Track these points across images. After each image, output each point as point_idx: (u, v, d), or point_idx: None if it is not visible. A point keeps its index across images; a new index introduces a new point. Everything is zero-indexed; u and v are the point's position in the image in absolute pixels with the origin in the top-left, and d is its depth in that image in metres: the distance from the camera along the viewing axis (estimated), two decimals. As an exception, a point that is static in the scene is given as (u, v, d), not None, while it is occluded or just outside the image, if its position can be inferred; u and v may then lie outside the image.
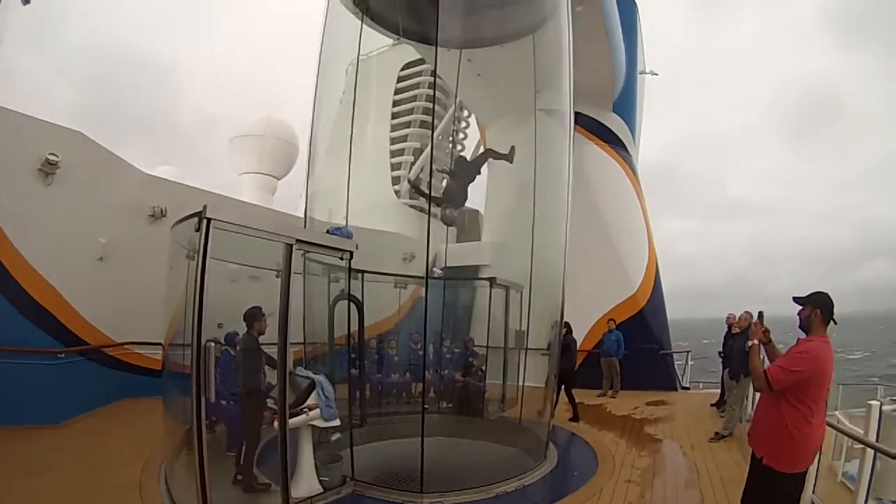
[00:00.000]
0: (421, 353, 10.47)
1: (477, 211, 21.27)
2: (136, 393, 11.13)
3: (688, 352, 19.48)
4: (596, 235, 17.35)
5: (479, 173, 11.38)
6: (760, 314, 5.00)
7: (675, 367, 17.91)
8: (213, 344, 5.13)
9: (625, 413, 12.97)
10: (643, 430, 11.31)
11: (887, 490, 6.72)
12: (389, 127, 24.05)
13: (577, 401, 12.41)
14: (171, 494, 6.47)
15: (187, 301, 5.28)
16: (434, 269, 11.55)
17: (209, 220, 5.06)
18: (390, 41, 13.13)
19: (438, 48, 9.52)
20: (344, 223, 9.56)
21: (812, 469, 5.32)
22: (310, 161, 10.63)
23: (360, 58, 11.01)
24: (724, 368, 12.20)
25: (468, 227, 21.15)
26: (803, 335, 4.59)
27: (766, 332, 4.87)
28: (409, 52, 17.58)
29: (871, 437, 6.09)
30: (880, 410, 6.38)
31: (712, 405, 13.20)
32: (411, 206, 22.17)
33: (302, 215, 10.61)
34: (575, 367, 12.95)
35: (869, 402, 6.62)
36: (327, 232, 7.54)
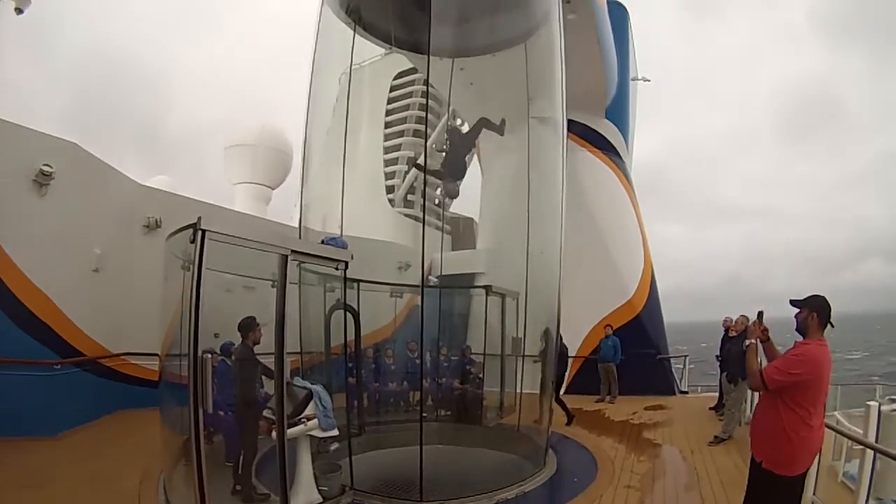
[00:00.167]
0: (418, 361, 10.47)
1: (471, 219, 21.27)
2: (132, 404, 11.08)
3: (685, 356, 19.47)
4: (591, 242, 17.37)
5: (474, 144, 11.38)
6: (760, 313, 5.00)
7: (673, 371, 17.88)
8: (209, 355, 5.13)
9: (623, 418, 12.94)
10: (642, 435, 11.30)
11: (888, 490, 6.73)
12: (383, 136, 24.03)
13: (575, 407, 12.43)
14: (169, 505, 6.46)
15: (183, 312, 5.28)
16: (429, 277, 11.56)
17: (204, 231, 5.06)
18: (383, 50, 13.14)
19: (431, 57, 9.54)
20: (338, 233, 9.56)
21: (812, 470, 5.32)
22: (304, 171, 10.64)
23: (353, 67, 11.03)
24: (721, 372, 12.22)
25: (463, 234, 21.15)
26: (800, 337, 4.61)
27: (765, 330, 4.88)
28: (402, 61, 17.59)
29: (871, 438, 6.10)
30: (879, 411, 6.39)
31: (711, 409, 13.20)
32: (406, 215, 22.16)
33: (297, 224, 10.61)
34: (566, 373, 12.96)
35: (868, 402, 6.63)
36: (322, 242, 7.54)
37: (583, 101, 16.97)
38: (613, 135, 20.36)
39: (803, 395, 4.38)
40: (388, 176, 23.72)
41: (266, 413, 6.43)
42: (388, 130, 24.32)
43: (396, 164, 23.86)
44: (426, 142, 17.98)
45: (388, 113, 24.48)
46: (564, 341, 12.20)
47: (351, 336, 9.36)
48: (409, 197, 22.90)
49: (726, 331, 12.61)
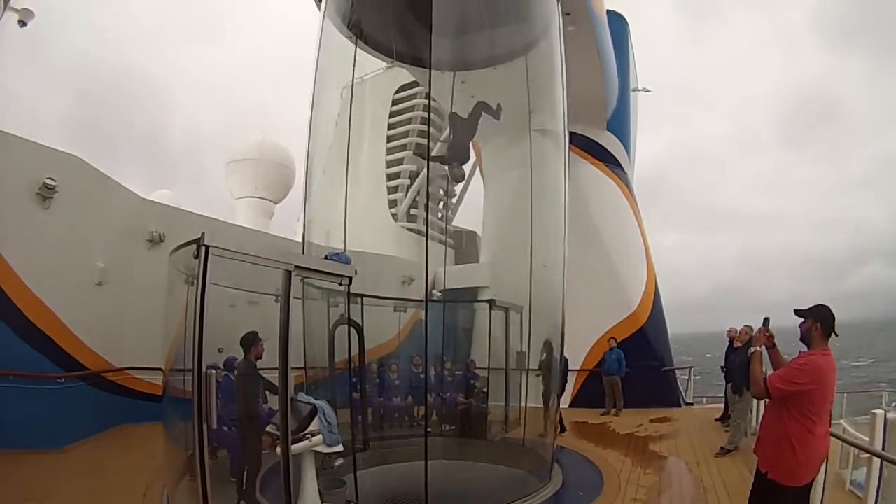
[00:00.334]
0: (422, 376, 10.44)
1: (474, 232, 21.27)
2: (136, 418, 11.07)
3: (690, 367, 19.41)
4: (594, 254, 17.35)
5: (476, 128, 11.38)
6: (766, 320, 4.99)
7: (679, 382, 17.82)
8: (213, 371, 5.12)
9: (629, 431, 12.90)
10: (648, 448, 11.26)
11: (895, 498, 6.70)
12: (385, 150, 24.05)
13: (580, 420, 12.42)
14: (173, 521, 6.43)
15: (187, 327, 5.27)
16: (433, 291, 11.55)
17: (208, 247, 5.05)
18: (384, 64, 13.17)
19: (432, 71, 9.57)
20: (342, 248, 9.56)
21: (819, 479, 5.29)
22: (306, 185, 10.64)
23: (355, 81, 11.06)
24: (727, 383, 12.20)
25: (466, 248, 21.15)
26: (805, 347, 4.60)
27: (771, 337, 4.87)
28: (403, 74, 17.62)
29: (878, 446, 6.07)
30: (885, 418, 6.37)
31: (717, 420, 13.17)
32: (409, 230, 22.18)
33: (300, 239, 10.61)
34: (566, 386, 12.95)
35: (873, 410, 6.60)
36: (326, 257, 7.53)
37: (584, 113, 16.99)
38: (615, 146, 20.37)
39: (808, 406, 4.37)
40: (391, 190, 23.73)
41: (270, 429, 6.42)
42: (391, 144, 24.34)
43: (399, 178, 23.88)
44: (428, 156, 18.03)
45: (390, 127, 24.50)
46: (567, 354, 12.18)
47: (355, 351, 9.35)
48: (412, 211, 22.91)
49: (731, 341, 12.58)
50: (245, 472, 6.77)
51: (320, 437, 6.62)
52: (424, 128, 23.00)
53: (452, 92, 11.53)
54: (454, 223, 23.43)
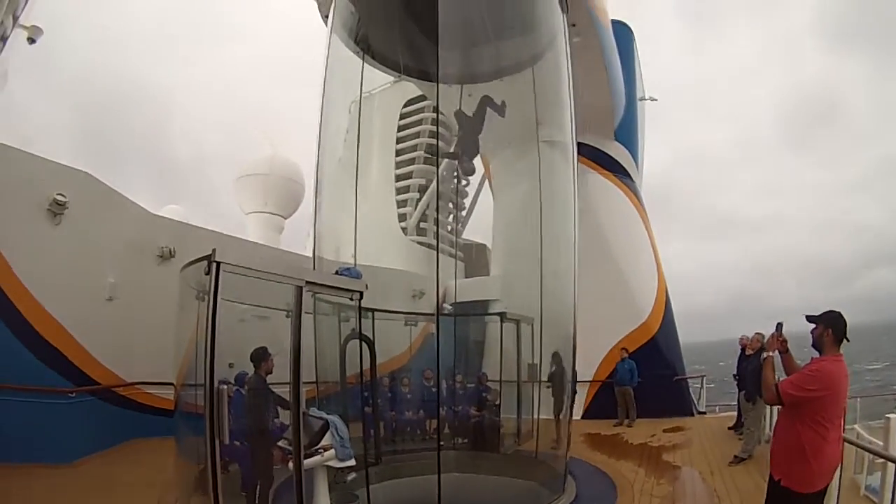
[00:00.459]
0: (434, 389, 10.42)
1: (484, 245, 21.26)
2: (146, 433, 11.06)
3: (703, 376, 19.32)
4: (604, 265, 17.27)
5: (483, 122, 11.41)
6: (779, 325, 4.96)
7: (691, 391, 17.73)
8: (225, 386, 5.13)
9: (642, 441, 12.83)
10: (661, 458, 11.20)
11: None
12: (394, 164, 24.11)
13: (593, 431, 12.38)
14: (185, 536, 6.43)
15: (198, 343, 5.28)
16: (444, 304, 11.55)
17: (219, 263, 5.06)
18: (391, 78, 13.21)
19: (439, 84, 9.59)
20: (352, 262, 9.57)
21: (834, 484, 5.26)
22: (316, 200, 10.66)
23: (363, 95, 11.10)
24: (739, 391, 12.14)
25: (476, 261, 21.15)
26: (817, 353, 4.59)
27: (784, 342, 4.85)
28: (411, 88, 17.70)
29: (892, 451, 6.04)
30: (900, 422, 6.34)
31: (730, 428, 13.09)
32: (419, 243, 22.21)
33: (310, 254, 10.63)
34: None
35: (888, 415, 6.57)
36: (336, 273, 7.54)
37: (591, 124, 16.99)
38: (623, 156, 20.35)
39: (820, 412, 4.36)
40: (400, 204, 23.79)
41: (282, 443, 6.42)
42: (399, 158, 24.43)
43: (408, 191, 23.92)
44: (437, 170, 18.05)
45: (398, 140, 24.60)
46: (578, 365, 12.15)
47: (366, 365, 9.35)
48: (422, 224, 22.95)
49: (743, 349, 12.52)
50: (258, 487, 6.77)
51: (332, 451, 6.61)
52: (433, 141, 23.06)
53: (460, 105, 11.54)
54: (464, 236, 23.46)
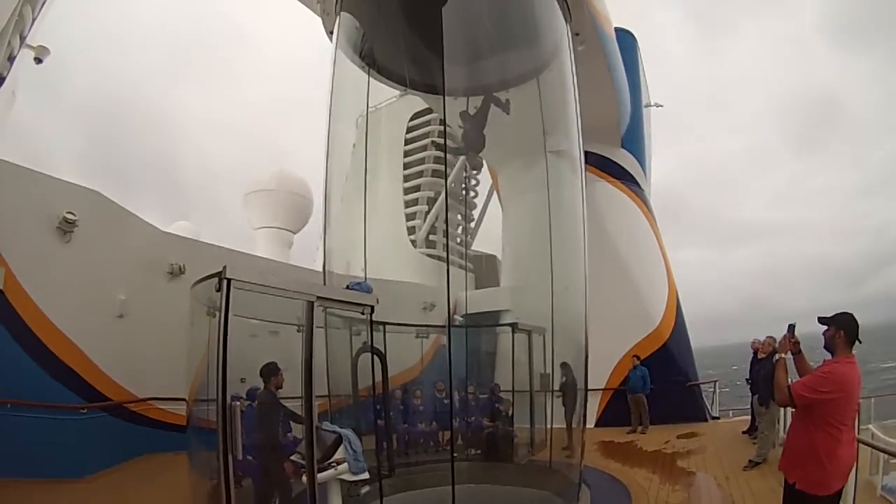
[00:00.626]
0: (446, 401, 10.42)
1: (494, 256, 21.26)
2: (158, 448, 11.14)
3: (715, 381, 19.28)
4: (614, 273, 17.25)
5: (486, 119, 11.45)
6: (791, 326, 4.97)
7: (704, 396, 17.67)
8: (237, 402, 5.15)
9: (656, 448, 12.78)
10: (675, 464, 11.17)
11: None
12: (402, 177, 24.15)
13: (607, 439, 12.36)
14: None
15: (210, 359, 5.30)
16: (455, 316, 11.56)
17: (230, 280, 5.09)
18: (397, 92, 13.25)
19: (446, 97, 9.63)
20: (362, 276, 9.60)
21: (850, 486, 5.25)
22: (325, 215, 10.69)
23: (369, 110, 11.14)
24: (752, 395, 12.10)
25: (486, 272, 21.13)
26: (829, 355, 4.59)
27: (797, 343, 4.86)
28: (417, 102, 17.74)
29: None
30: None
31: (744, 432, 13.03)
32: (428, 256, 22.21)
33: (320, 269, 10.66)
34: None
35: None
36: (347, 287, 7.56)
37: (598, 132, 17.00)
38: (630, 164, 20.35)
39: (833, 414, 4.37)
40: (409, 217, 23.80)
41: (295, 457, 6.44)
42: (407, 171, 24.45)
43: (416, 204, 23.94)
44: (446, 181, 18.06)
45: (405, 154, 24.63)
46: (590, 373, 12.15)
47: (378, 378, 9.36)
48: (431, 237, 22.95)
49: (755, 353, 12.47)
50: (276, 501, 6.80)
51: (346, 465, 6.62)
52: (440, 154, 23.08)
53: (467, 107, 11.58)
54: (473, 247, 23.46)
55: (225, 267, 5.10)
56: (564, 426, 10.67)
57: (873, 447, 6.71)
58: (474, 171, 18.70)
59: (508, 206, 17.59)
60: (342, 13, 10.57)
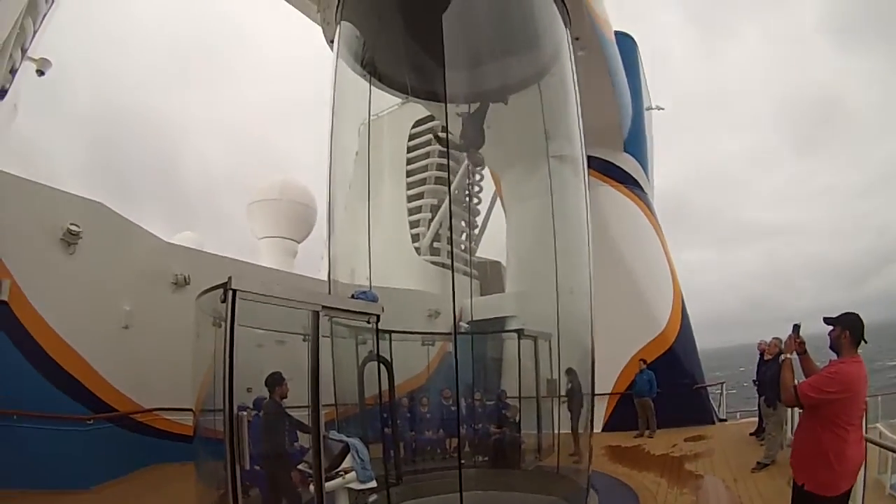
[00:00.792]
0: (453, 408, 10.41)
1: (498, 262, 21.25)
2: (165, 458, 11.14)
3: (722, 383, 19.26)
4: (619, 277, 17.24)
5: (485, 115, 11.46)
6: (796, 326, 4.98)
7: (711, 399, 17.64)
8: (244, 412, 5.15)
9: (663, 452, 12.75)
10: (683, 468, 11.14)
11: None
12: (405, 185, 24.17)
13: (614, 444, 12.36)
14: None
15: (216, 369, 5.30)
16: (460, 323, 11.56)
17: (235, 291, 5.09)
18: (399, 100, 13.27)
19: (447, 104, 9.65)
20: (367, 284, 9.61)
21: (859, 485, 5.24)
22: (329, 223, 10.70)
23: (372, 118, 11.17)
24: (759, 396, 12.07)
25: (490, 278, 21.13)
26: (835, 355, 4.60)
27: (802, 343, 4.87)
28: (419, 109, 17.77)
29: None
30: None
31: (751, 434, 13.01)
32: (433, 263, 22.22)
33: (324, 277, 10.66)
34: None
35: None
36: (352, 296, 7.57)
37: (600, 136, 16.97)
38: (633, 167, 20.34)
39: (840, 414, 4.38)
40: (413, 224, 23.80)
41: (302, 466, 6.44)
42: (410, 179, 24.47)
43: (420, 211, 23.95)
44: (449, 188, 18.08)
45: (408, 161, 24.65)
46: (594, 378, 12.15)
47: (384, 386, 9.35)
48: (436, 244, 22.96)
49: (762, 354, 12.45)
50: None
51: (353, 473, 6.63)
52: (443, 161, 23.10)
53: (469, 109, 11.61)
54: (478, 254, 23.46)
55: (230, 278, 5.11)
56: (574, 431, 10.66)
57: (881, 446, 6.70)
58: (477, 168, 18.72)
59: (512, 212, 17.61)
60: (342, 22, 10.59)
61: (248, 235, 30.77)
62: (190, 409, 8.28)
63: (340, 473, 6.55)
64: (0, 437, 8.86)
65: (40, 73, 14.85)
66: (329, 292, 9.48)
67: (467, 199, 21.67)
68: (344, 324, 8.38)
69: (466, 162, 17.63)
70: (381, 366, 9.03)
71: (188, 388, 7.52)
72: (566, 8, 10.89)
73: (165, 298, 12.15)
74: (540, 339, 10.97)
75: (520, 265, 16.15)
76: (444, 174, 23.13)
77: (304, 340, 6.15)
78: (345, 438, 6.85)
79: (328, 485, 6.11)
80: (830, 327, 4.64)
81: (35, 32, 13.67)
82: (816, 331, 4.89)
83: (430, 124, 23.74)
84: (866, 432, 4.80)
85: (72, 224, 10.19)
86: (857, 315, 4.60)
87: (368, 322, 7.27)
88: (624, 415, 15.97)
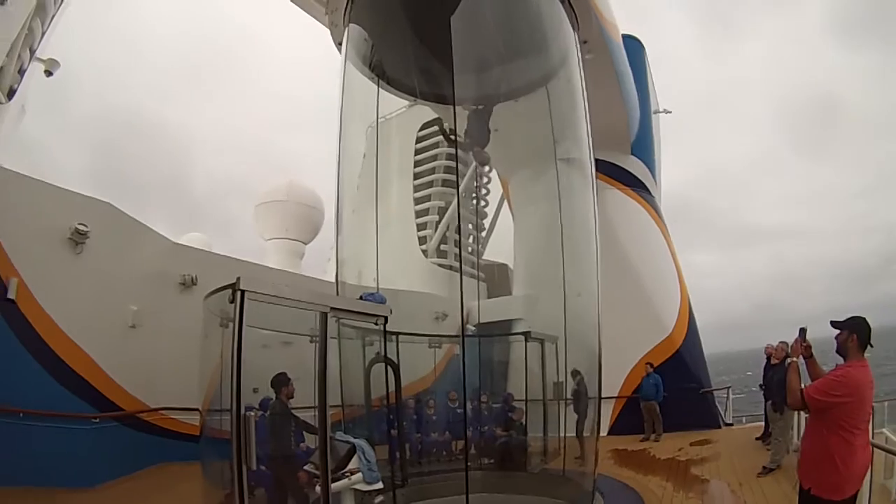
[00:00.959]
0: (459, 410, 10.41)
1: (505, 265, 21.22)
2: (171, 458, 11.21)
3: (728, 387, 19.25)
4: (626, 280, 17.23)
5: (490, 112, 11.47)
6: (802, 330, 4.99)
7: (717, 403, 17.62)
8: (251, 412, 5.17)
9: (669, 456, 12.74)
10: (689, 472, 11.13)
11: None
12: (412, 187, 24.15)
13: (620, 447, 12.37)
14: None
15: (223, 370, 5.32)
16: (468, 325, 11.55)
17: (243, 291, 5.10)
18: (407, 102, 13.27)
19: (455, 107, 9.65)
20: (374, 286, 9.61)
21: (864, 490, 5.24)
22: (337, 225, 10.71)
23: (379, 120, 11.18)
24: (766, 400, 12.05)
25: (497, 281, 21.10)
26: (841, 359, 4.61)
27: (808, 347, 4.88)
28: (427, 112, 17.77)
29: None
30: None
31: (757, 439, 13.00)
32: (440, 265, 22.19)
33: (331, 279, 10.68)
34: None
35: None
36: (360, 298, 7.57)
37: (607, 140, 16.96)
38: (640, 170, 20.36)
39: (846, 418, 4.38)
40: (420, 226, 23.78)
41: (308, 467, 6.45)
42: (418, 181, 24.45)
43: (427, 214, 23.93)
44: (458, 190, 18.06)
45: (416, 164, 24.64)
46: (601, 382, 12.14)
47: (391, 388, 9.36)
48: (443, 247, 22.94)
49: (768, 358, 12.43)
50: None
51: (360, 475, 6.63)
52: (451, 164, 23.09)
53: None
54: (485, 256, 23.45)
55: (239, 278, 5.12)
56: (579, 434, 10.66)
57: (888, 451, 6.69)
58: (484, 168, 18.69)
59: (519, 215, 17.58)
60: (351, 24, 10.61)
61: (255, 237, 30.81)
62: (196, 409, 8.31)
63: (346, 474, 6.56)
64: (7, 435, 8.89)
65: (48, 73, 14.94)
66: (337, 294, 9.50)
67: (474, 201, 21.64)
68: (351, 325, 8.39)
69: (474, 164, 17.62)
70: (388, 368, 9.04)
71: (194, 388, 7.55)
72: (574, 11, 10.91)
73: (173, 298, 12.19)
74: (547, 342, 10.97)
75: (527, 268, 16.11)
76: (452, 177, 23.13)
77: (311, 342, 6.16)
78: (351, 440, 6.85)
79: (334, 486, 6.11)
80: (837, 331, 4.64)
81: (43, 33, 13.75)
82: (823, 334, 4.89)
83: (437, 126, 23.78)
84: (872, 437, 4.80)
85: (80, 224, 10.23)
86: (864, 319, 4.61)
87: (376, 324, 7.28)
88: (630, 418, 15.96)
